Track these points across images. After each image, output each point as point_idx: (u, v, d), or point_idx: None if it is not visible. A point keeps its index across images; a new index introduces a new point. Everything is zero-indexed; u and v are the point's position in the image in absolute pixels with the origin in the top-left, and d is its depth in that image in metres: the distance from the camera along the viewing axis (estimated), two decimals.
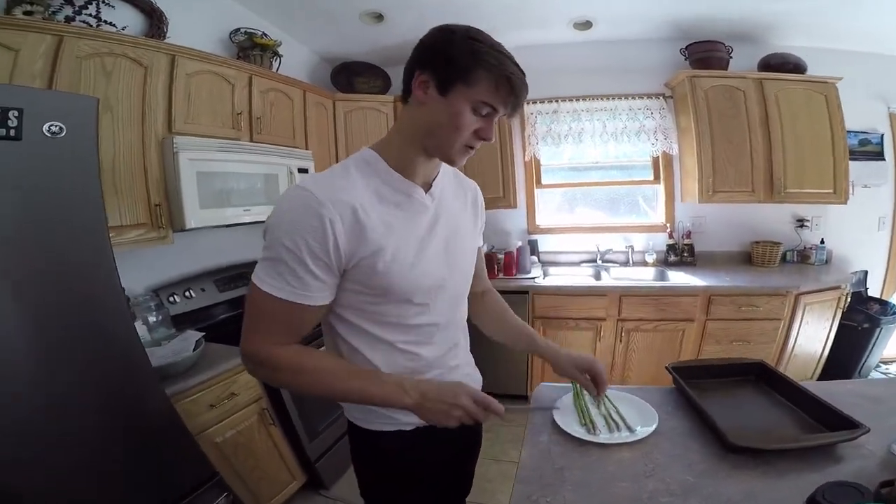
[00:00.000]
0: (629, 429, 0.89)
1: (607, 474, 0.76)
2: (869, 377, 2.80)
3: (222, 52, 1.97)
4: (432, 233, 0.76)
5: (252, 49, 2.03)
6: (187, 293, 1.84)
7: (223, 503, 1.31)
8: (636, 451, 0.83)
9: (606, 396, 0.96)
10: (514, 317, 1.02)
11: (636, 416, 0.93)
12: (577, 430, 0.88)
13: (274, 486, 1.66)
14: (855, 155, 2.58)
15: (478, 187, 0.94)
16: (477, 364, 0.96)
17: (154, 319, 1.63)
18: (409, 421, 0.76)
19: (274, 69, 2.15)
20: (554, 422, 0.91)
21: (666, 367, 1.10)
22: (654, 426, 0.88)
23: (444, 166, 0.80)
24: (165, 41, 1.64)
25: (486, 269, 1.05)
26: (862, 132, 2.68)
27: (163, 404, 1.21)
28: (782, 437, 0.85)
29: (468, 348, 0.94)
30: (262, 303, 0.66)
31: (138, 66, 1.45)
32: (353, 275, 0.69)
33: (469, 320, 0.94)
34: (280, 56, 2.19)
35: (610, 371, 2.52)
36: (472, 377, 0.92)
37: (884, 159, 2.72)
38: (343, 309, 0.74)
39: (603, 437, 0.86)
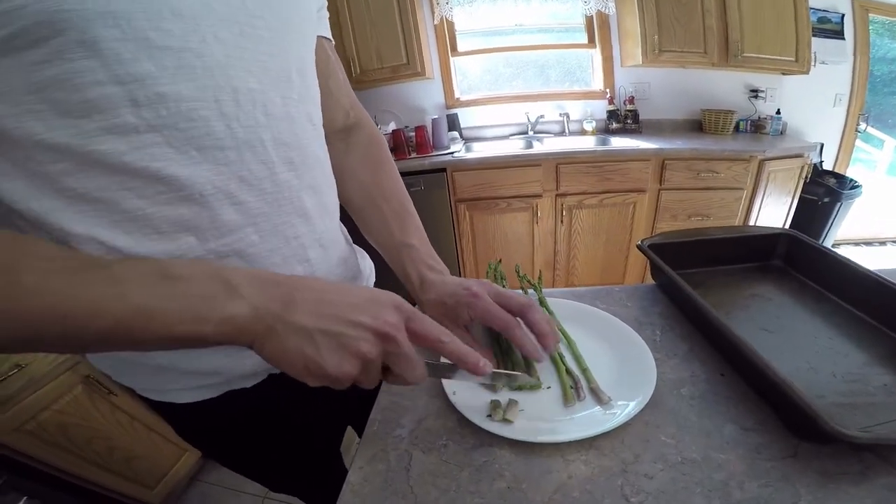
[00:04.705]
0: (596, 394, 0.40)
1: None
2: None
3: None
4: None
5: None
6: None
7: None
8: (599, 456, 0.35)
9: (550, 312, 0.52)
10: (391, 182, 0.54)
11: (612, 362, 0.44)
12: (480, 401, 0.40)
13: (157, 463, 1.36)
14: (813, 32, 2.35)
15: None
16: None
17: None
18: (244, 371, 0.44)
19: None
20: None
21: (639, 246, 0.63)
22: (651, 390, 0.39)
23: None
24: None
25: (348, 84, 0.57)
26: (822, 10, 2.47)
27: None
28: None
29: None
30: None
31: None
32: None
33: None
34: None
35: (552, 263, 2.08)
36: None
37: (843, 38, 2.54)
38: None
39: (523, 429, 0.38)
